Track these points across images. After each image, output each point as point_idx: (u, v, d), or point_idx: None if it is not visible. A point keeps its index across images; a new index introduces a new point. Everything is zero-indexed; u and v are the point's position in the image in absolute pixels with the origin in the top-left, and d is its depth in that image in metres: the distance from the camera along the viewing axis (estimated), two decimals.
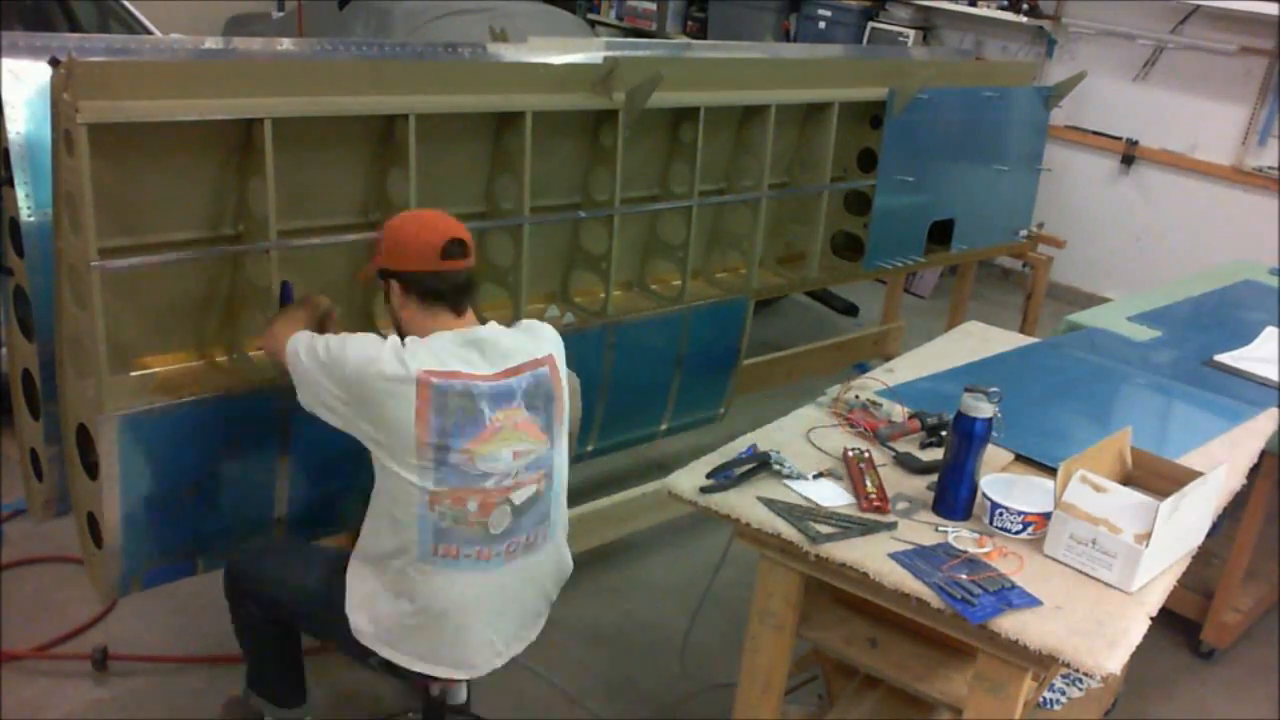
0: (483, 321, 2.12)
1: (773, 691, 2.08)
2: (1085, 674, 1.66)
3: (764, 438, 2.21)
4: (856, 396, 2.40)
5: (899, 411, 2.35)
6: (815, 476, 2.08)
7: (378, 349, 1.95)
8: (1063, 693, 2.23)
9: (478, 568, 2.02)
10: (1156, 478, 2.05)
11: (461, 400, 1.95)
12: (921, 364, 2.68)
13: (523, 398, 2.01)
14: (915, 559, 1.83)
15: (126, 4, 4.36)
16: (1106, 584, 1.81)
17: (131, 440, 2.11)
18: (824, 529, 1.90)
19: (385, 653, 2.06)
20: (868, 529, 1.91)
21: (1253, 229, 5.52)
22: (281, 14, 6.44)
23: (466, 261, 2.05)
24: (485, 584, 2.04)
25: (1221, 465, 2.03)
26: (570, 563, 2.24)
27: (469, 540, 2.00)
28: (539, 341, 2.10)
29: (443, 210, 2.18)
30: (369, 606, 2.04)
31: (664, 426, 3.37)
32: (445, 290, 2.04)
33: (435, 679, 2.13)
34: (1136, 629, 1.73)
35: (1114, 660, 1.65)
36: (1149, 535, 1.77)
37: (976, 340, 2.90)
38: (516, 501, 2.02)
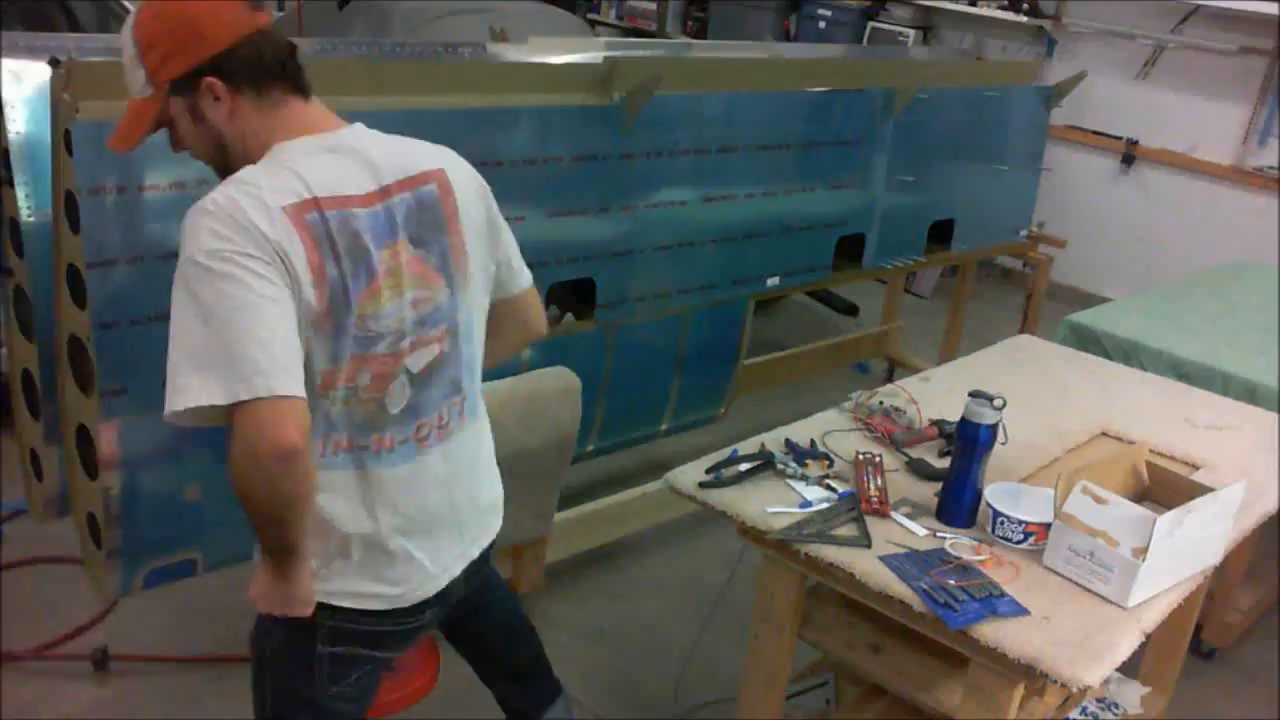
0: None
1: (774, 691, 2.08)
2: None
3: (777, 440, 2.20)
4: (880, 403, 2.39)
5: (921, 418, 2.34)
6: (819, 477, 2.07)
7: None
8: (1095, 717, 2.19)
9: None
10: (1174, 493, 1.97)
11: (347, 238, 1.44)
12: (959, 378, 2.53)
13: (404, 228, 1.50)
14: (905, 562, 1.82)
15: (126, 4, 4.36)
16: (1103, 598, 1.77)
17: (131, 441, 2.10)
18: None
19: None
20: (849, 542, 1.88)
21: (1253, 229, 5.52)
22: (281, 14, 6.44)
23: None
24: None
25: (1239, 482, 1.93)
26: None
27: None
28: (421, 153, 1.56)
29: None
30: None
31: (664, 427, 3.36)
32: (284, 58, 1.48)
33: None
34: (1126, 644, 1.69)
35: (1095, 674, 1.60)
36: (1146, 550, 1.73)
37: (1025, 356, 2.79)
38: (414, 369, 1.55)
